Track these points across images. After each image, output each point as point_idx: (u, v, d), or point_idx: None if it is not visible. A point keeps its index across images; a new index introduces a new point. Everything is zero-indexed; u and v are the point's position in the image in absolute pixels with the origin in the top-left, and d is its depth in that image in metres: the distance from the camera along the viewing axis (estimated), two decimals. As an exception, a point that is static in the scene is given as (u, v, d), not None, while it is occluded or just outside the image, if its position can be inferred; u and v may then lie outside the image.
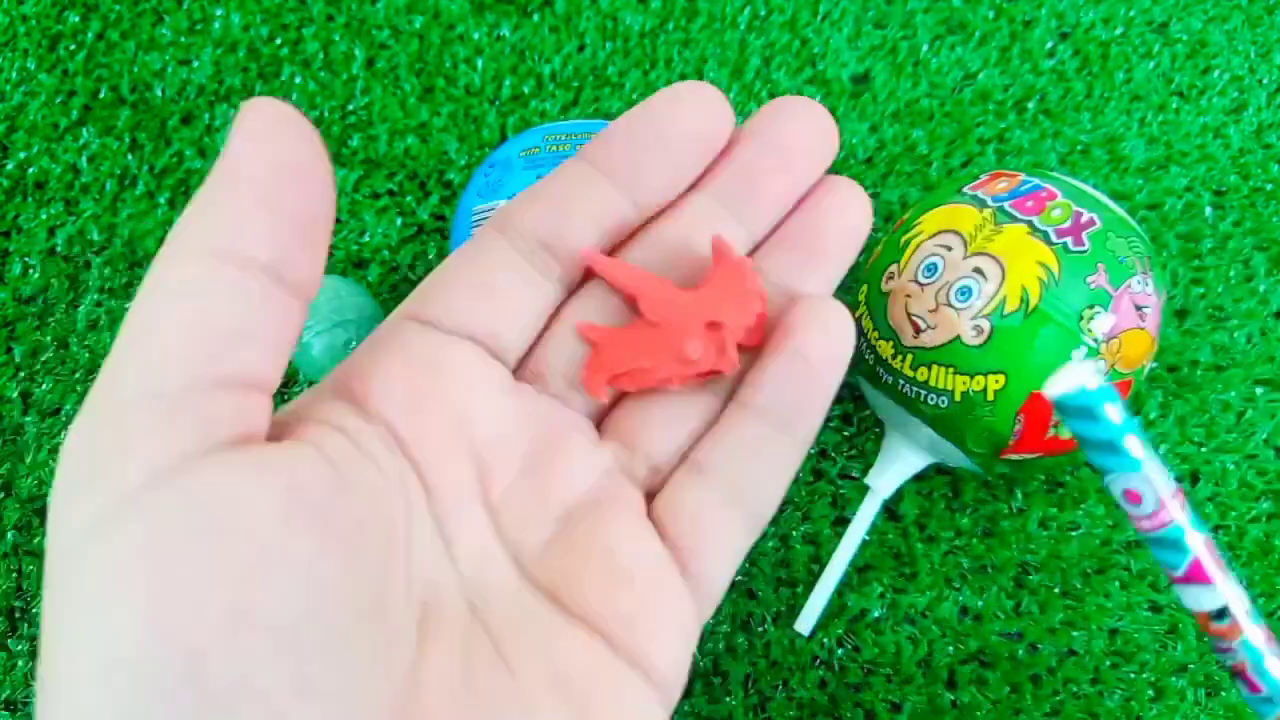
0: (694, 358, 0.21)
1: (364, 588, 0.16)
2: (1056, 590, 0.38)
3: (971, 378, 0.32)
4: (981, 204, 0.33)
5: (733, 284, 0.21)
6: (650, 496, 0.21)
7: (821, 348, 0.20)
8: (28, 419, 0.39)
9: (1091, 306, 0.31)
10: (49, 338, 0.40)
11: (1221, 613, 0.18)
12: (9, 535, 0.37)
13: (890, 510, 0.39)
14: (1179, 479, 0.40)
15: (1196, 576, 0.18)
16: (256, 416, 0.17)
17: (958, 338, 0.32)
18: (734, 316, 0.21)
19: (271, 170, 0.17)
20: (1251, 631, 0.18)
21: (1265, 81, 0.47)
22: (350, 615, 0.16)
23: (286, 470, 0.16)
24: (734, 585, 0.38)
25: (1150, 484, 0.18)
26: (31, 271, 0.41)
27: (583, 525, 0.20)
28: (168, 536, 0.15)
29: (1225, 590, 0.18)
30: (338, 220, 0.42)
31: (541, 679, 0.18)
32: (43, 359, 0.40)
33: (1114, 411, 0.18)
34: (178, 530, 0.15)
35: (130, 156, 0.43)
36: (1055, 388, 0.18)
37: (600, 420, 0.22)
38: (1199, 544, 0.18)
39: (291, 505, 0.16)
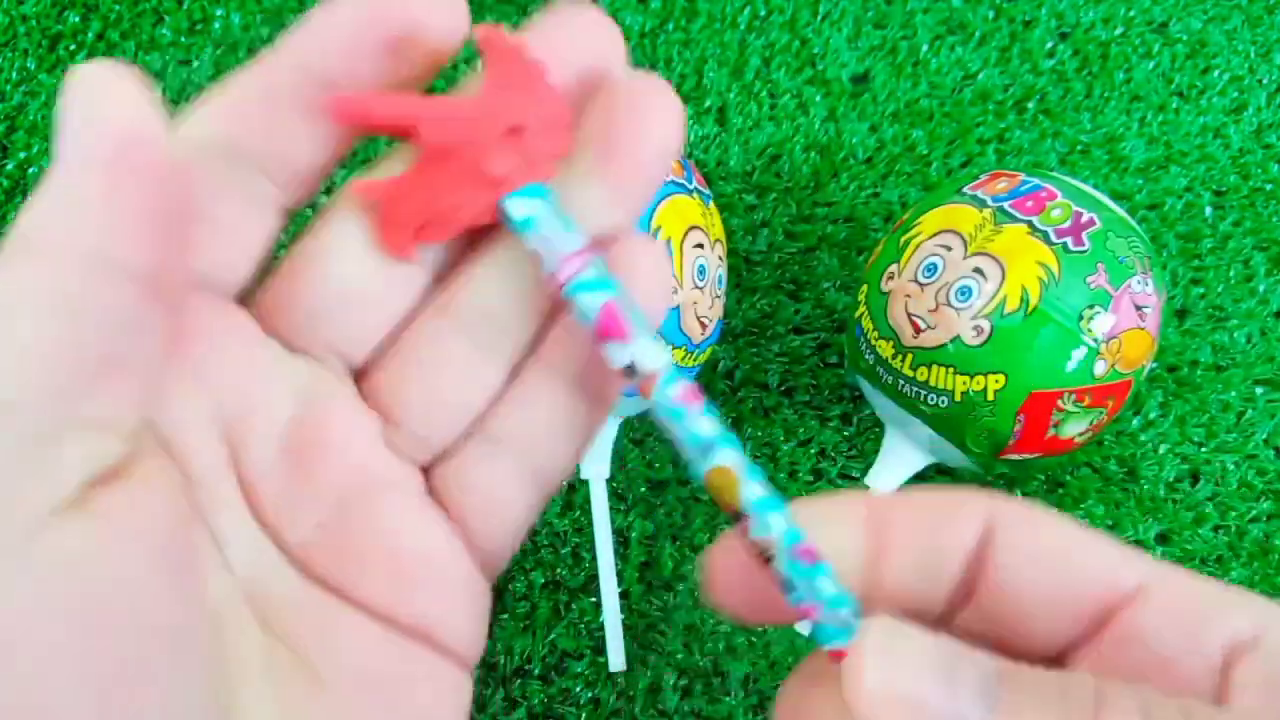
0: (501, 174, 0.17)
1: (186, 632, 0.14)
2: (1056, 590, 0.38)
3: (971, 378, 0.32)
4: (981, 204, 0.33)
5: (516, 77, 0.18)
6: (427, 467, 0.19)
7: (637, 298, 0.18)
8: (28, 419, 0.39)
9: (1091, 306, 0.31)
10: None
11: (630, 369, 0.17)
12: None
13: (890, 510, 0.39)
14: (1178, 479, 0.40)
15: (611, 332, 0.17)
16: (108, 457, 0.14)
17: (958, 337, 0.32)
18: (531, 113, 0.18)
19: (122, 153, 0.14)
20: (666, 390, 0.18)
21: (1265, 81, 0.47)
22: (170, 669, 0.14)
23: (132, 525, 0.14)
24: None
25: (548, 244, 0.17)
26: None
27: (359, 510, 0.18)
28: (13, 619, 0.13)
29: (636, 346, 0.17)
30: (338, 220, 0.42)
31: (353, 685, 0.17)
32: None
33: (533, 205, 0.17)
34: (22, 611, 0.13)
35: (130, 156, 0.43)
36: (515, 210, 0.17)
37: (360, 383, 0.19)
38: (602, 302, 0.17)
39: (151, 567, 0.14)
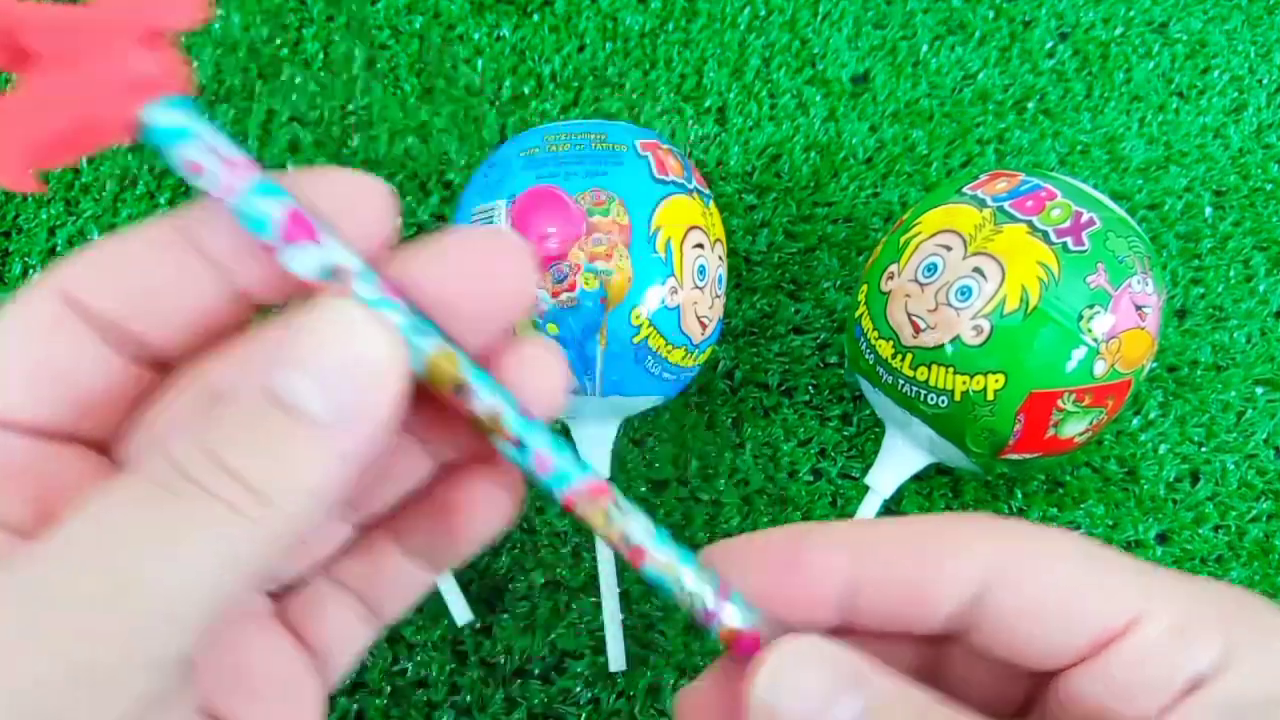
0: (138, 78, 0.15)
1: None
2: (1056, 590, 0.38)
3: (971, 378, 0.32)
4: (981, 204, 0.33)
5: None
6: (279, 595, 0.20)
7: (484, 522, 0.19)
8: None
9: (1091, 306, 0.31)
10: (49, 338, 0.40)
11: (329, 273, 0.16)
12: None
13: (890, 510, 0.39)
14: (1178, 479, 0.40)
15: (296, 235, 0.16)
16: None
17: (958, 337, 0.32)
18: (165, 16, 0.16)
19: None
20: (366, 287, 0.16)
21: (1265, 81, 0.47)
22: None
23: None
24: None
25: (212, 153, 0.16)
26: (31, 271, 0.41)
27: (222, 639, 0.19)
28: None
29: (327, 247, 0.16)
30: (338, 220, 0.42)
31: None
32: (43, 359, 0.40)
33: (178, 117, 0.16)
34: None
35: (130, 156, 0.43)
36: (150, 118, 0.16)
37: None
38: (285, 207, 0.16)
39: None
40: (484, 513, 0.20)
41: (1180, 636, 0.16)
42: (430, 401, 0.18)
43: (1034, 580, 0.17)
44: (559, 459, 0.17)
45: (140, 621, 0.14)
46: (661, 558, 0.18)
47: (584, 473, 0.17)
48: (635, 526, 0.18)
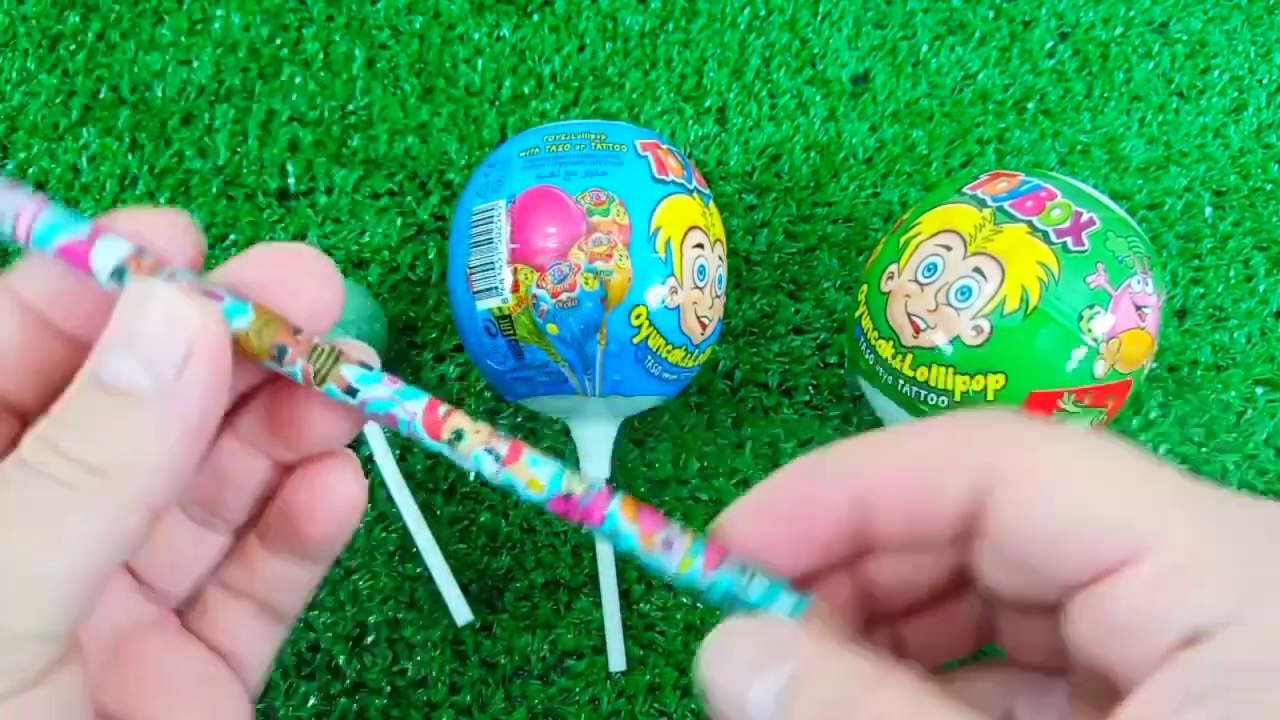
0: None
1: None
2: (1056, 590, 0.38)
3: (971, 378, 0.32)
4: (981, 204, 0.33)
5: None
6: (181, 610, 0.22)
7: (334, 515, 0.20)
8: (28, 419, 0.39)
9: (1091, 306, 0.31)
10: (49, 338, 0.40)
11: (119, 272, 0.17)
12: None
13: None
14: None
15: (75, 259, 0.18)
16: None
17: (958, 337, 0.32)
18: None
19: None
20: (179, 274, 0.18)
21: (1265, 81, 0.47)
22: None
23: None
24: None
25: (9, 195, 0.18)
26: (31, 271, 0.41)
27: (127, 649, 0.20)
28: None
29: (121, 247, 0.17)
30: (338, 220, 0.42)
31: None
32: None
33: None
34: None
35: (130, 156, 0.43)
36: None
37: None
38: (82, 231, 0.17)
39: None
40: (330, 505, 0.21)
41: (1182, 579, 0.14)
42: (257, 406, 0.19)
43: (1035, 495, 0.15)
44: (394, 389, 0.18)
45: (3, 600, 0.15)
46: (541, 475, 0.19)
47: (420, 396, 0.18)
48: (482, 432, 0.19)
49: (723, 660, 0.17)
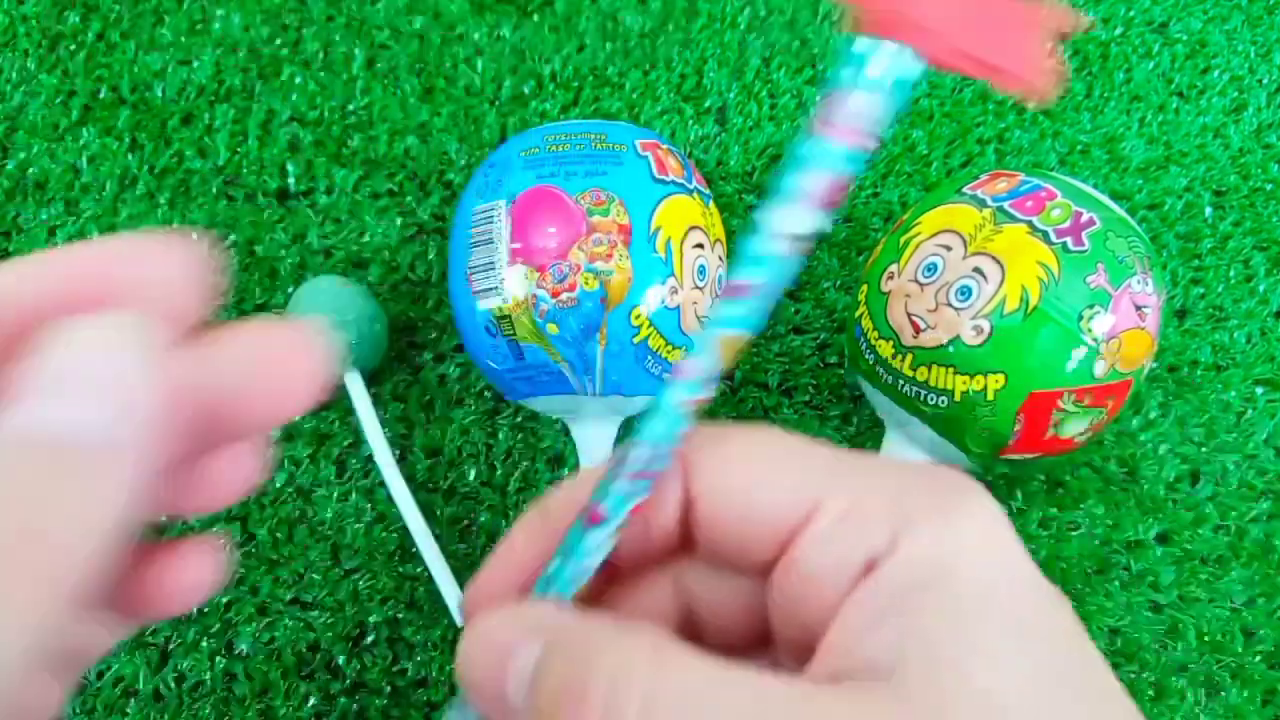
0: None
1: None
2: (1056, 590, 0.38)
3: (971, 378, 0.32)
4: (981, 204, 0.33)
5: None
6: None
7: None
8: (28, 419, 0.39)
9: (1091, 306, 0.31)
10: (49, 338, 0.40)
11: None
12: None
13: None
14: (1178, 479, 0.40)
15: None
16: None
17: (958, 337, 0.32)
18: None
19: None
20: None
21: (1265, 81, 0.47)
22: None
23: None
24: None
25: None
26: (31, 271, 0.41)
27: None
28: None
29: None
30: (338, 220, 0.42)
31: None
32: (43, 359, 0.40)
33: None
34: None
35: (130, 156, 0.43)
36: None
37: None
38: None
39: None
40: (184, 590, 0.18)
41: (850, 521, 0.16)
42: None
43: (722, 482, 0.17)
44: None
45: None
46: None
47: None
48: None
49: (475, 658, 0.17)
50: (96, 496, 0.13)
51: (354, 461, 0.39)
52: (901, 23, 0.16)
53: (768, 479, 0.17)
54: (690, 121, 0.45)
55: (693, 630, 0.20)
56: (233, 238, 0.42)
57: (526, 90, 0.45)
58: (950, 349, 0.32)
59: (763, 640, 0.20)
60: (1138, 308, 0.32)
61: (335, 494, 0.38)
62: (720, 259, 0.36)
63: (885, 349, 0.34)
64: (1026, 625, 0.15)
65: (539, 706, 0.16)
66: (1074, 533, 0.38)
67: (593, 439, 0.36)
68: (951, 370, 0.32)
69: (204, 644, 0.36)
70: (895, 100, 0.16)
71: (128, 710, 0.35)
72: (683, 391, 0.17)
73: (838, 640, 0.16)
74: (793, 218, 0.17)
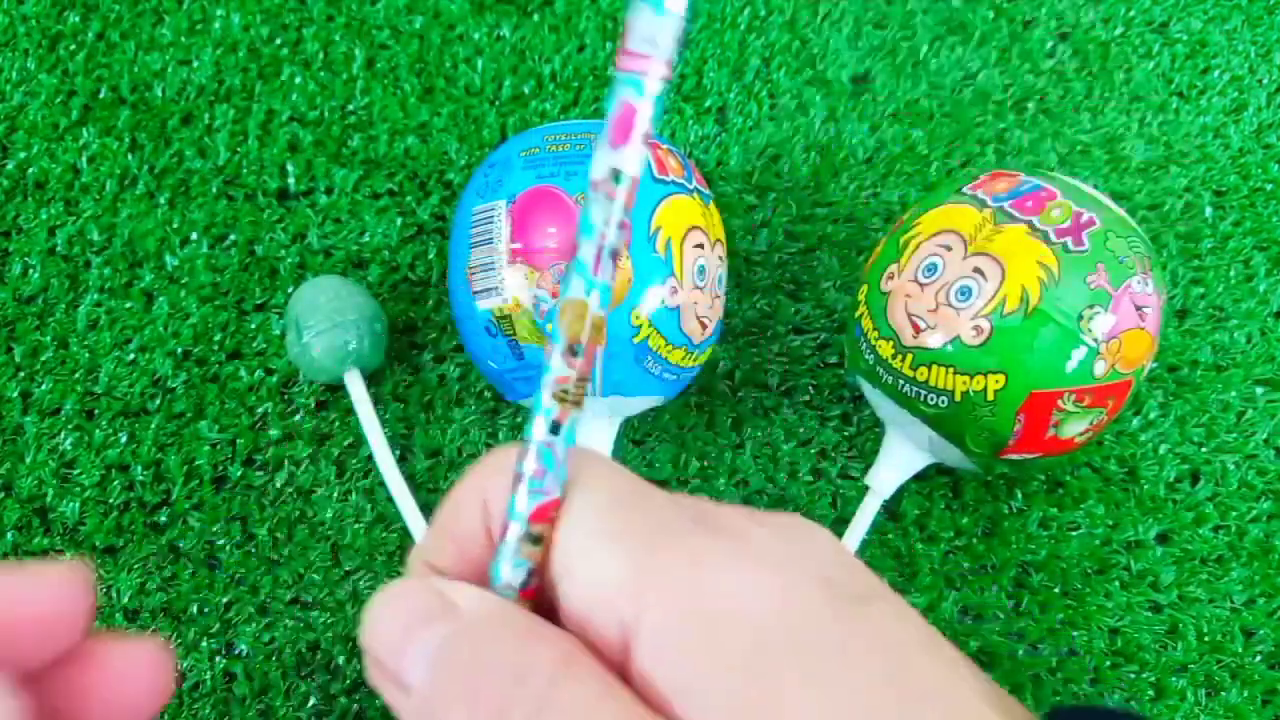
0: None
1: None
2: (1056, 590, 0.38)
3: (971, 378, 0.32)
4: (981, 204, 0.33)
5: None
6: None
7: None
8: (28, 419, 0.39)
9: (1091, 306, 0.31)
10: (49, 338, 0.40)
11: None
12: (9, 535, 0.37)
13: (890, 510, 0.39)
14: (1178, 479, 0.40)
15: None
16: None
17: (958, 338, 0.32)
18: None
19: None
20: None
21: (1265, 81, 0.47)
22: None
23: None
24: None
25: None
26: (31, 271, 0.41)
27: None
28: None
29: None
30: (338, 220, 0.42)
31: None
32: (43, 359, 0.40)
33: None
34: None
35: (130, 156, 0.43)
36: None
37: None
38: None
39: None
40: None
41: (611, 589, 0.15)
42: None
43: (566, 575, 0.16)
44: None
45: None
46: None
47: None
48: None
49: (380, 624, 0.16)
50: None
51: (354, 461, 0.39)
52: None
53: (587, 587, 0.16)
54: (690, 121, 0.45)
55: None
56: (233, 238, 0.42)
57: (526, 90, 0.45)
58: (950, 349, 0.32)
59: None
60: (1138, 308, 0.32)
61: (335, 494, 0.38)
62: (720, 259, 0.36)
63: (885, 349, 0.34)
64: (814, 666, 0.14)
65: (429, 693, 0.15)
66: (1074, 533, 0.38)
67: (593, 439, 0.36)
68: (951, 370, 0.32)
69: (204, 644, 0.36)
70: (680, 23, 0.16)
71: (128, 710, 0.35)
72: (547, 372, 0.17)
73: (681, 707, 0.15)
74: (604, 159, 0.17)
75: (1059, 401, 0.32)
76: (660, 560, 0.15)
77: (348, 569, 0.37)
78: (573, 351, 0.17)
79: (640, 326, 0.33)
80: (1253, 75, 0.47)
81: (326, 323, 0.36)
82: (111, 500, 0.38)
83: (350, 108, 0.44)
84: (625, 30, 0.16)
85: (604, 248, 0.17)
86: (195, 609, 0.36)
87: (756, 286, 0.42)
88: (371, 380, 0.39)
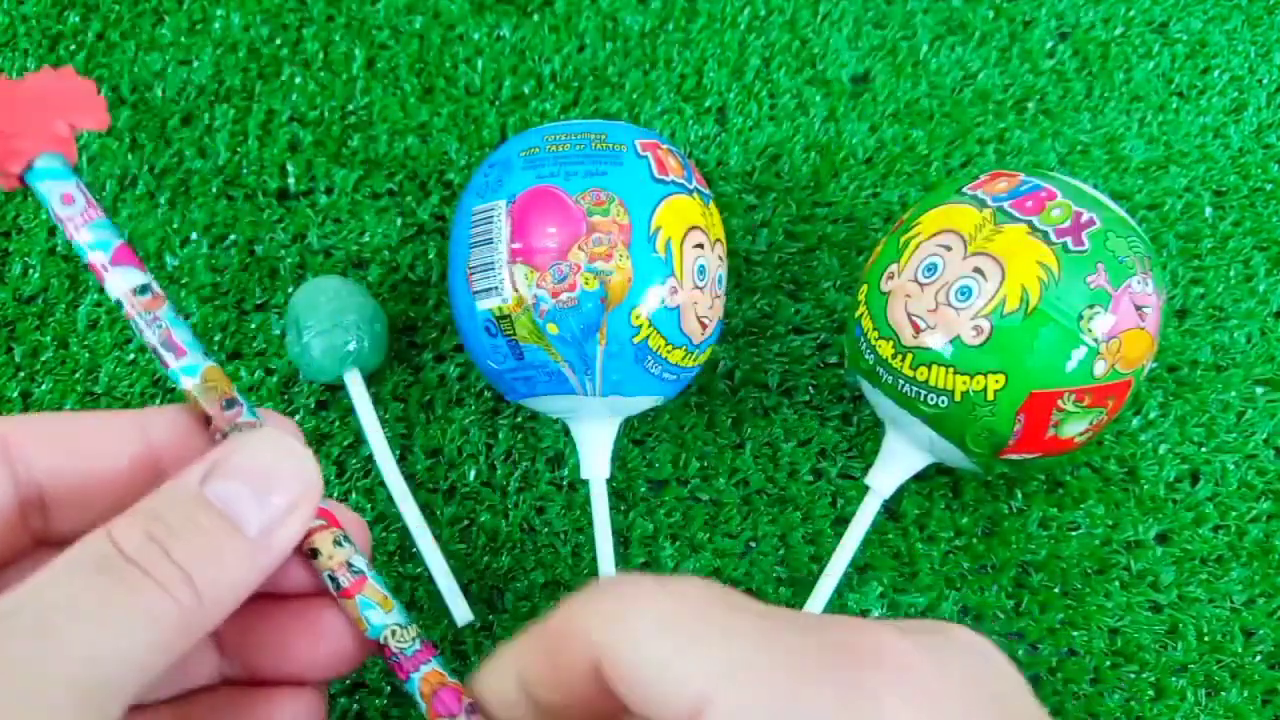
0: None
1: None
2: (1056, 590, 0.38)
3: (971, 378, 0.32)
4: (981, 204, 0.33)
5: None
6: None
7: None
8: (28, 419, 0.39)
9: (1091, 306, 0.31)
10: (49, 338, 0.40)
11: (144, 289, 0.21)
12: (9, 535, 0.37)
13: (890, 510, 0.39)
14: (1178, 479, 0.40)
15: (123, 260, 0.21)
16: None
17: (958, 337, 0.32)
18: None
19: None
20: (165, 307, 0.22)
21: (1265, 81, 0.47)
22: None
23: None
24: (735, 584, 0.38)
25: (81, 190, 0.22)
26: (31, 271, 0.41)
27: None
28: None
29: (142, 271, 0.22)
30: (338, 220, 0.42)
31: None
32: (43, 359, 0.40)
33: None
34: None
35: (130, 156, 0.43)
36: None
37: None
38: (114, 242, 0.22)
39: None
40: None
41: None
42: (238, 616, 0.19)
43: (625, 661, 0.17)
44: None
45: (62, 690, 0.15)
46: (369, 617, 0.21)
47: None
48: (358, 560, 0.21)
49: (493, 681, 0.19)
50: (243, 568, 0.17)
51: (354, 461, 0.39)
52: None
53: (664, 664, 0.17)
54: (690, 121, 0.45)
55: None
56: (233, 237, 0.42)
57: (526, 90, 0.45)
58: (950, 349, 0.32)
59: None
60: (1138, 308, 0.32)
61: (335, 494, 0.38)
62: (720, 259, 0.36)
63: (885, 349, 0.34)
64: None
65: None
66: (1074, 533, 0.38)
67: (593, 439, 0.36)
68: (951, 370, 0.32)
69: (204, 644, 0.36)
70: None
71: (128, 710, 0.35)
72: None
73: None
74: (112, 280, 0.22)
75: (1059, 401, 0.32)
76: (808, 697, 0.16)
77: (348, 569, 0.37)
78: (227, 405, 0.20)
79: (640, 326, 0.33)
80: (1253, 75, 0.47)
81: (326, 323, 0.36)
82: (111, 500, 0.38)
83: (350, 108, 0.44)
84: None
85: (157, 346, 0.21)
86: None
87: (756, 286, 0.42)
88: (371, 380, 0.39)
